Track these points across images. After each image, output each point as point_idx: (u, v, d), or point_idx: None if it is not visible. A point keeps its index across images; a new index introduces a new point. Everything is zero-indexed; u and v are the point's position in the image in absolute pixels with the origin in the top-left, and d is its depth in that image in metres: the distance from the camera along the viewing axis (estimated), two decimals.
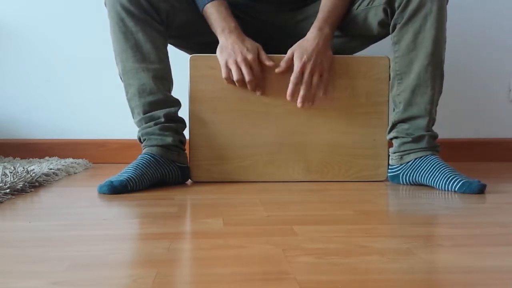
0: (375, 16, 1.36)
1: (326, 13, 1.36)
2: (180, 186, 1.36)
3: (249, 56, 1.33)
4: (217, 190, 1.30)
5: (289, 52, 1.36)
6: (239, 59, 1.32)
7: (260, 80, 1.36)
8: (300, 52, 1.33)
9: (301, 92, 1.35)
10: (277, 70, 1.36)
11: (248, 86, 1.35)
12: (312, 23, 1.39)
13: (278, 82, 1.37)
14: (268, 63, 1.35)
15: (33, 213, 1.04)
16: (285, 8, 1.49)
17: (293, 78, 1.34)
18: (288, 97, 1.35)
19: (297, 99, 1.35)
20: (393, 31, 1.34)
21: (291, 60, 1.35)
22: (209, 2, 1.36)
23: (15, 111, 1.92)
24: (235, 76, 1.34)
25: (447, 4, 1.31)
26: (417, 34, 1.30)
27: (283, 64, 1.35)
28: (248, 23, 1.46)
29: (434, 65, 1.31)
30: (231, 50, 1.33)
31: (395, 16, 1.31)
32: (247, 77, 1.34)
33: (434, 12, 1.27)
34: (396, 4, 1.30)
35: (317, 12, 1.43)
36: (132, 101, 1.35)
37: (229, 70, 1.34)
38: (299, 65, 1.33)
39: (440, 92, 1.35)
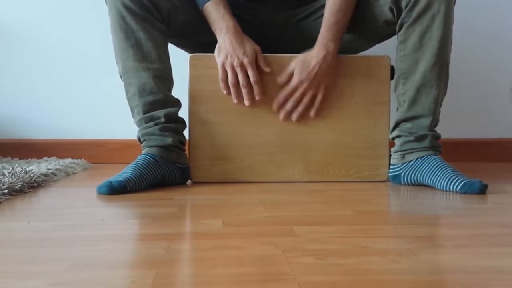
0: (381, 15, 1.35)
1: (332, 27, 1.33)
2: (180, 186, 1.35)
3: (246, 60, 1.32)
4: (217, 190, 1.29)
5: (292, 64, 1.34)
6: (235, 63, 1.32)
7: (258, 84, 1.34)
8: (301, 70, 1.33)
9: (287, 107, 1.36)
10: (278, 81, 1.35)
11: (243, 90, 1.34)
12: (312, 21, 1.38)
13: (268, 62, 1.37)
14: (265, 69, 1.34)
15: (31, 214, 1.04)
16: (285, 6, 1.49)
17: (284, 91, 1.35)
18: (273, 106, 1.36)
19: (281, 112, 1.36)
20: (399, 30, 1.33)
21: (292, 74, 1.34)
22: (208, 1, 1.35)
23: (14, 111, 1.92)
24: (230, 80, 1.33)
25: (454, 5, 1.30)
26: (424, 34, 1.29)
27: (284, 76, 1.35)
28: (248, 22, 1.46)
29: (440, 65, 1.31)
30: (228, 52, 1.32)
31: (402, 15, 1.31)
32: (241, 81, 1.33)
33: (441, 12, 1.27)
34: (403, 4, 1.30)
35: (317, 10, 1.42)
36: (132, 100, 1.35)
37: (225, 72, 1.34)
38: (295, 82, 1.33)
39: (445, 93, 1.34)
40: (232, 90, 1.34)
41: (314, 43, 1.34)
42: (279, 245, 0.78)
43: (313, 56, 1.33)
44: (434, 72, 1.31)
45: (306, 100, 1.35)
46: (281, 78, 1.35)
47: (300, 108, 1.36)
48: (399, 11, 1.31)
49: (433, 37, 1.29)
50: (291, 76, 1.34)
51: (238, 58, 1.32)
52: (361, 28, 1.41)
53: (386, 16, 1.34)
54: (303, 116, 1.37)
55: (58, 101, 1.92)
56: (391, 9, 1.32)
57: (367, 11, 1.37)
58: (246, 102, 1.35)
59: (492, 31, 1.96)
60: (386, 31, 1.38)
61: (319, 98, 1.35)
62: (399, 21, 1.32)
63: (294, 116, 1.36)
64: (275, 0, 1.48)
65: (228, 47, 1.32)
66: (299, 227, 0.89)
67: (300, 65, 1.33)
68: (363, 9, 1.38)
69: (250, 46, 1.34)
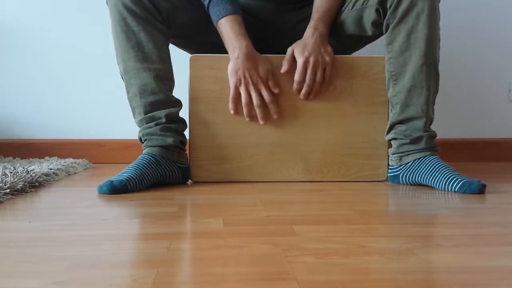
0: (368, 17, 1.36)
1: (321, 13, 1.37)
2: (180, 186, 1.36)
3: (259, 82, 1.34)
4: (217, 190, 1.30)
5: (289, 50, 1.37)
6: (249, 85, 1.34)
7: (273, 103, 1.36)
8: (300, 48, 1.35)
9: (304, 89, 1.36)
10: (281, 71, 1.37)
11: (258, 110, 1.36)
12: None
13: (278, 83, 1.37)
14: (274, 90, 1.36)
15: (33, 213, 1.04)
16: (286, 7, 1.49)
17: (297, 76, 1.36)
18: (294, 88, 1.37)
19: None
20: (386, 31, 1.34)
21: (292, 57, 1.36)
22: (223, 17, 1.35)
23: (15, 111, 1.92)
24: (244, 99, 1.35)
25: (439, 2, 1.30)
26: (410, 34, 1.29)
27: (285, 63, 1.36)
28: (249, 22, 1.46)
29: (428, 65, 1.31)
30: (241, 75, 1.34)
31: (387, 17, 1.31)
32: (256, 102, 1.35)
33: (426, 11, 1.27)
34: (388, 4, 1.30)
35: None
36: (133, 101, 1.35)
37: (237, 92, 1.36)
38: (301, 61, 1.34)
39: (436, 91, 1.34)
40: (245, 109, 1.36)
41: None
42: (279, 244, 0.78)
43: (308, 36, 1.36)
44: (423, 72, 1.31)
45: (319, 76, 1.36)
46: (283, 66, 1.36)
47: (317, 86, 1.36)
48: (385, 12, 1.32)
49: (419, 37, 1.28)
50: (292, 60, 1.36)
51: (252, 80, 1.34)
52: (351, 30, 1.41)
53: (373, 18, 1.34)
54: (320, 94, 1.38)
55: (58, 101, 1.92)
56: (377, 11, 1.32)
57: (356, 12, 1.38)
58: (261, 121, 1.38)
59: (491, 31, 1.97)
60: (375, 32, 1.39)
61: (328, 70, 1.36)
62: (384, 22, 1.33)
63: (312, 95, 1.38)
64: (276, 1, 1.48)
65: (242, 70, 1.33)
66: (299, 227, 0.89)
67: (299, 46, 1.35)
68: (352, 10, 1.38)
69: (263, 67, 1.35)
